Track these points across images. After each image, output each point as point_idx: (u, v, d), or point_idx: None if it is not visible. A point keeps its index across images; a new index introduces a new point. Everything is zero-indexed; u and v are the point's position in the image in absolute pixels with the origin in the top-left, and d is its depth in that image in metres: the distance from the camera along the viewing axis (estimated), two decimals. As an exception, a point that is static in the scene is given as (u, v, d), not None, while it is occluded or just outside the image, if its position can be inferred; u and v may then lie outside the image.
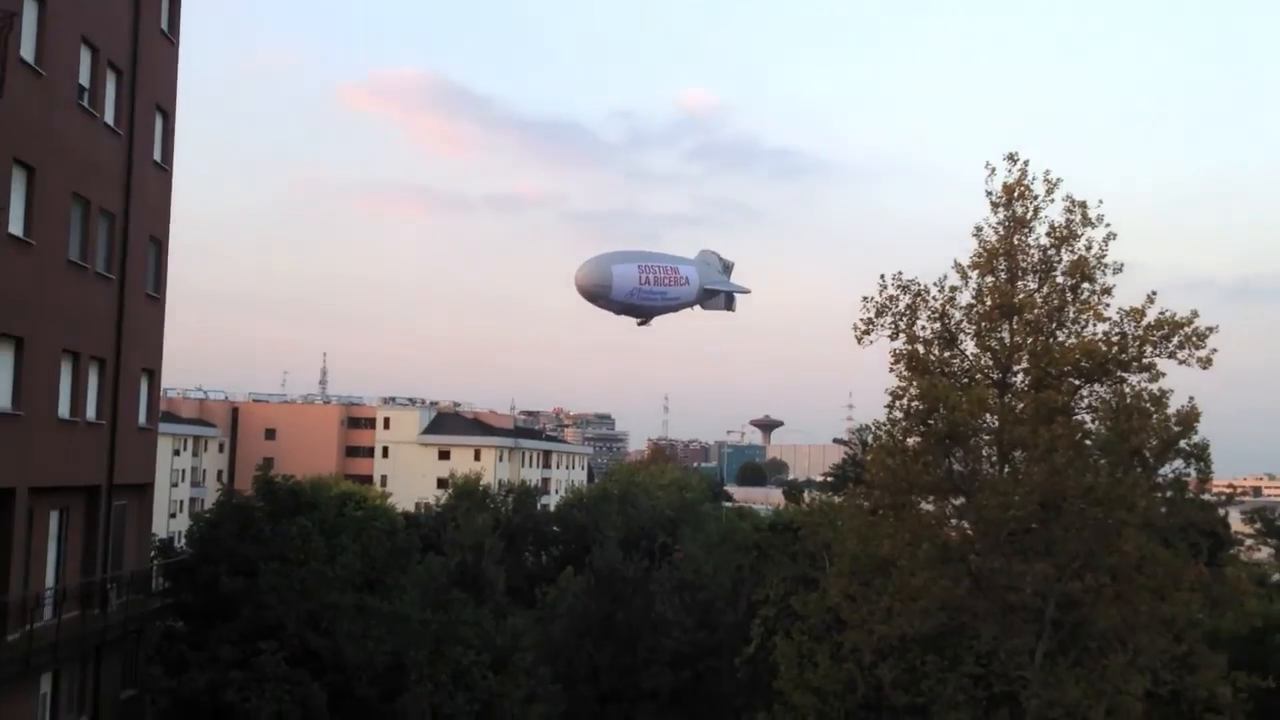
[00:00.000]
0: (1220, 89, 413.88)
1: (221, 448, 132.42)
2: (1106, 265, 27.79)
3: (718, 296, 58.25)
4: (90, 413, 32.38)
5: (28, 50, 27.98)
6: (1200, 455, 26.80)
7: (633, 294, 52.28)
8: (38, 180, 28.43)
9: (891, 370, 29.02)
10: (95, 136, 32.22)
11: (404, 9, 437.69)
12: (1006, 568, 26.47)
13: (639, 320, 54.92)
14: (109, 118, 33.01)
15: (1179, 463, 27.17)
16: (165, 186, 37.81)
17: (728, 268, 59.92)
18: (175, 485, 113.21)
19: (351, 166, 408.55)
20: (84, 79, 31.39)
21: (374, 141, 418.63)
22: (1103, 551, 25.81)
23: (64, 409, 30.72)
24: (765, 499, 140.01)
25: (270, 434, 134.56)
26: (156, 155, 36.77)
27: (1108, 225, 27.69)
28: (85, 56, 31.41)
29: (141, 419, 36.33)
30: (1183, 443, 26.64)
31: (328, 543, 37.02)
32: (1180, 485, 27.56)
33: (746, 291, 62.07)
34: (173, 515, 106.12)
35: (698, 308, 57.32)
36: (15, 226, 27.56)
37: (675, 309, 55.63)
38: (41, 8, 28.58)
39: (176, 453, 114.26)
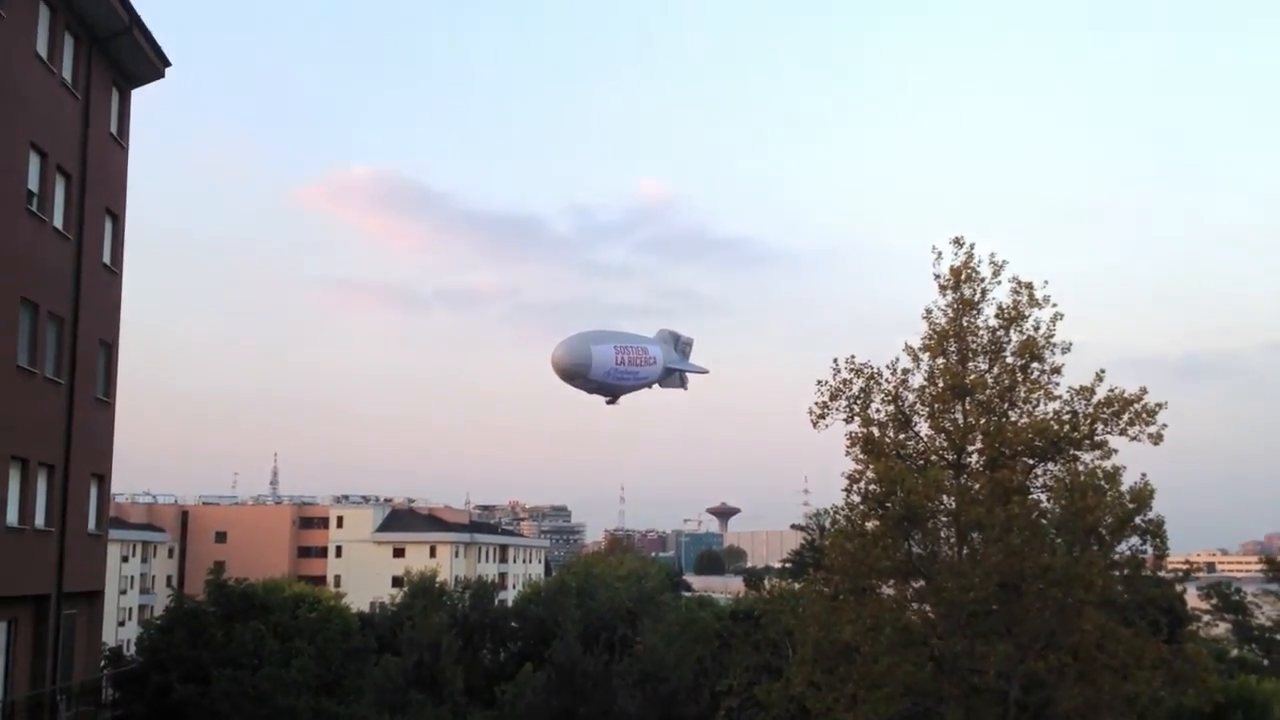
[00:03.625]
0: (1162, 176, 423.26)
1: (171, 552, 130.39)
2: (1055, 345, 28.09)
3: (673, 375, 59.23)
4: (39, 520, 31.87)
5: (-25, 156, 27.95)
6: (1156, 531, 26.93)
7: (609, 374, 53.25)
8: (-15, 286, 28.24)
9: (848, 453, 29.06)
10: (44, 241, 32.10)
11: (355, 110, 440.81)
12: (969, 650, 26.38)
13: (608, 400, 55.73)
14: (58, 222, 32.93)
15: (1135, 540, 27.28)
16: (115, 289, 37.64)
17: (687, 345, 61.04)
18: (124, 592, 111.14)
19: (304, 265, 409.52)
20: (32, 184, 31.35)
21: (326, 239, 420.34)
22: (1064, 631, 25.80)
23: (12, 516, 30.22)
24: (724, 587, 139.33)
25: (221, 537, 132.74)
26: (106, 258, 36.66)
27: (1054, 305, 28.05)
28: (34, 161, 31.40)
29: (91, 525, 35.78)
30: (1138, 519, 26.76)
31: (282, 646, 36.53)
32: (1137, 562, 27.66)
33: (705, 371, 62.94)
34: (121, 623, 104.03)
35: (655, 385, 58.16)
36: (-38, 333, 27.30)
37: (641, 388, 56.57)
38: (-11, 114, 28.60)
39: (125, 559, 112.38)
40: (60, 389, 33.06)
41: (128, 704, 35.59)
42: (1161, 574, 28.87)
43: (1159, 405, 27.08)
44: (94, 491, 36.09)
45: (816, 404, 29.23)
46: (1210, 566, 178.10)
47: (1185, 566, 30.72)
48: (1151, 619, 27.34)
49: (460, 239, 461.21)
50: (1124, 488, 26.74)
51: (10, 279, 29.76)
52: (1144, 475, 26.98)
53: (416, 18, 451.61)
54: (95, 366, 35.75)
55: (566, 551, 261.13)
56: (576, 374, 52.86)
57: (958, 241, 28.67)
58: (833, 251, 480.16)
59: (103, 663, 37.56)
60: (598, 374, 52.90)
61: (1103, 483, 26.60)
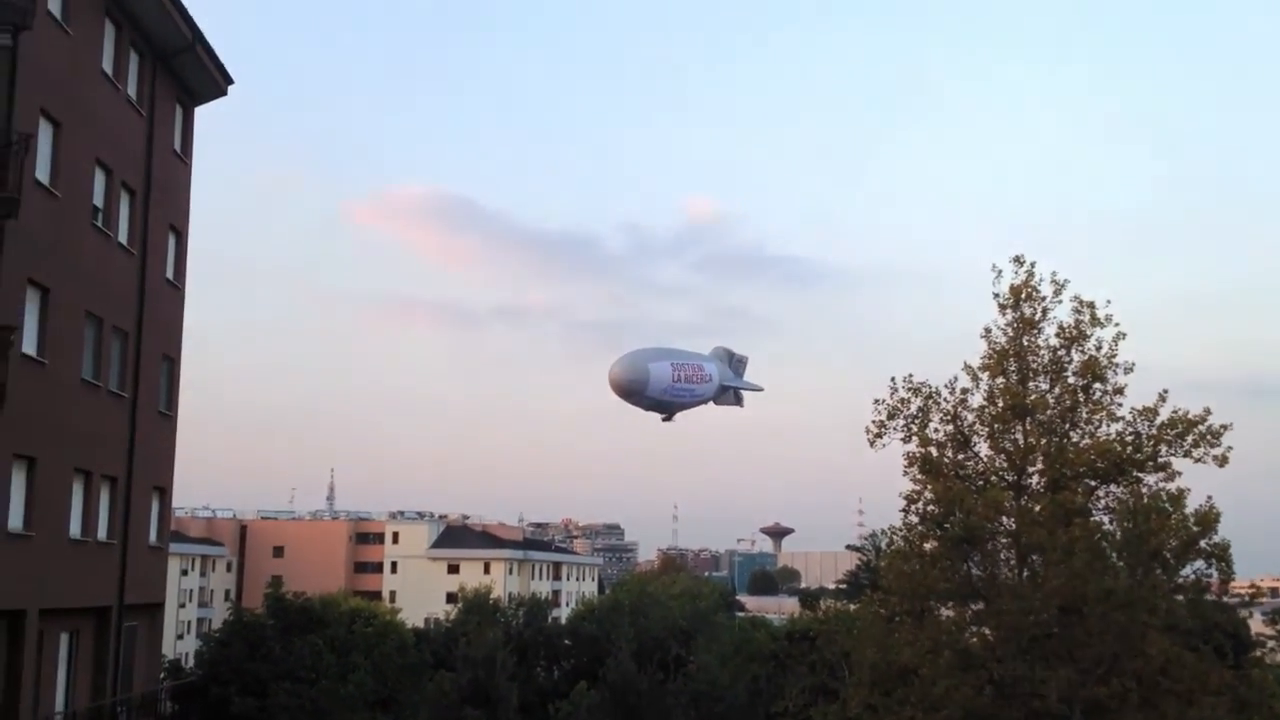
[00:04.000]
0: (1221, 197, 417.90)
1: (229, 567, 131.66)
2: (1117, 365, 27.77)
3: (728, 392, 59.22)
4: (101, 532, 32.25)
5: (43, 172, 28.41)
6: (1221, 555, 26.48)
7: (666, 391, 53.50)
8: (51, 300, 28.67)
9: (905, 474, 28.86)
10: (109, 256, 32.56)
11: (409, 127, 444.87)
12: (1030, 674, 26.02)
13: (664, 416, 55.87)
14: (122, 237, 33.39)
15: (1199, 563, 26.84)
16: (178, 304, 38.11)
17: (741, 363, 61.01)
18: (183, 606, 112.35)
19: (359, 282, 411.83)
20: (98, 199, 31.82)
21: (381, 257, 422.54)
22: (1127, 655, 25.41)
23: (75, 529, 30.60)
24: (778, 608, 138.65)
25: (279, 551, 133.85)
26: (169, 274, 37.13)
27: (1117, 325, 27.75)
28: (99, 177, 31.87)
29: (152, 538, 36.15)
30: (1202, 542, 26.35)
31: (339, 661, 36.70)
32: (1201, 587, 27.21)
33: (760, 388, 62.88)
34: (180, 636, 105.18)
35: (711, 403, 58.20)
36: (29, 346, 27.71)
37: (697, 405, 56.68)
38: (56, 130, 29.07)
39: (184, 572, 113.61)
40: (123, 403, 33.48)
41: (186, 716, 35.89)
42: (1226, 599, 28.37)
43: (1224, 427, 26.68)
44: (155, 505, 36.48)
45: (873, 423, 29.07)
46: (1275, 591, 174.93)
47: (1251, 591, 30.15)
48: (1216, 644, 26.83)
49: (513, 257, 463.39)
50: (1188, 510, 26.35)
51: (75, 293, 30.20)
52: (1209, 498, 26.59)
53: (468, 38, 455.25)
54: (158, 381, 36.18)
55: (619, 569, 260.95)
56: (634, 391, 53.05)
57: (1018, 260, 28.47)
58: (889, 271, 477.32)
59: (162, 675, 37.92)
60: (655, 391, 53.10)
61: (1166, 505, 26.23)
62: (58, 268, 29.14)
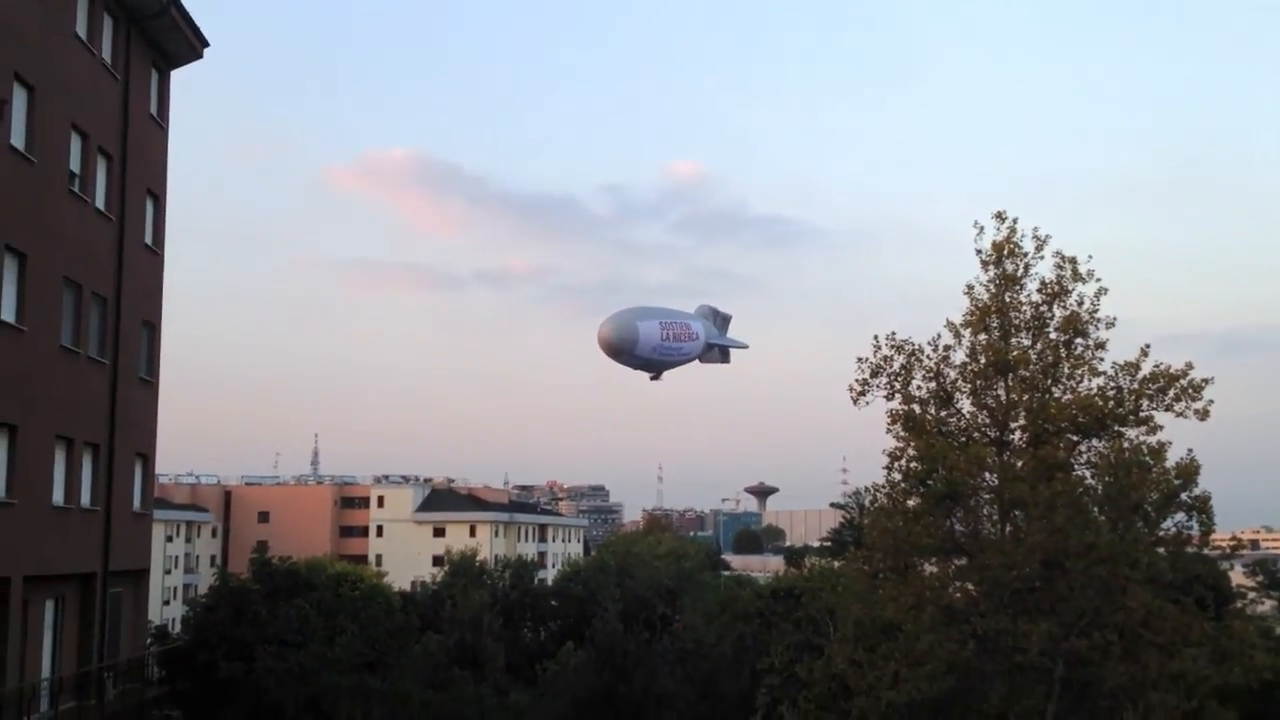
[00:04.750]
0: (1202, 149, 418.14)
1: (215, 532, 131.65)
2: (1099, 320, 27.77)
3: (713, 350, 59.48)
4: (85, 499, 32.20)
5: (18, 138, 28.18)
6: (1202, 508, 26.63)
7: (655, 350, 53.78)
8: (29, 266, 28.49)
9: (888, 431, 28.92)
10: (86, 221, 32.34)
11: (390, 91, 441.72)
12: (1012, 628, 26.21)
13: (652, 375, 56.15)
14: (100, 203, 33.15)
15: (1180, 516, 27.00)
16: (157, 270, 37.90)
17: (725, 320, 61.24)
18: (168, 572, 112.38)
19: (341, 247, 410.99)
20: (74, 165, 31.57)
21: (363, 221, 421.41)
22: (1109, 608, 25.59)
23: (58, 496, 30.55)
24: (763, 566, 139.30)
25: (264, 517, 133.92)
26: (148, 239, 36.91)
27: (1098, 280, 27.73)
28: (75, 143, 31.61)
29: (136, 504, 36.12)
30: (1184, 495, 26.50)
31: (326, 624, 36.72)
32: (1182, 539, 27.39)
33: (745, 346, 63.09)
34: (166, 603, 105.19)
35: (697, 361, 58.41)
36: (7, 313, 27.58)
37: (684, 363, 56.92)
38: (31, 95, 28.80)
39: (169, 539, 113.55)
40: (104, 369, 33.34)
41: (173, 681, 35.94)
42: (1207, 551, 28.61)
43: (1205, 381, 26.74)
44: (138, 471, 36.43)
45: (857, 381, 29.09)
46: (1254, 543, 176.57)
47: (1231, 543, 30.42)
48: (1197, 596, 27.00)
49: (496, 220, 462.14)
50: (1169, 464, 26.47)
51: (53, 259, 30.01)
52: (1190, 451, 26.71)
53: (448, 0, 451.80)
54: (138, 346, 36.04)
55: (605, 531, 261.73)
56: (623, 350, 53.25)
57: (1000, 216, 28.43)
58: (871, 230, 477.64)
59: (149, 640, 37.98)
60: (644, 350, 53.37)
61: (1148, 459, 26.33)
62: (35, 234, 28.94)
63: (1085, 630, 25.59)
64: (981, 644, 26.74)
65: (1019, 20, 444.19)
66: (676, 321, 56.00)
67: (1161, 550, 26.80)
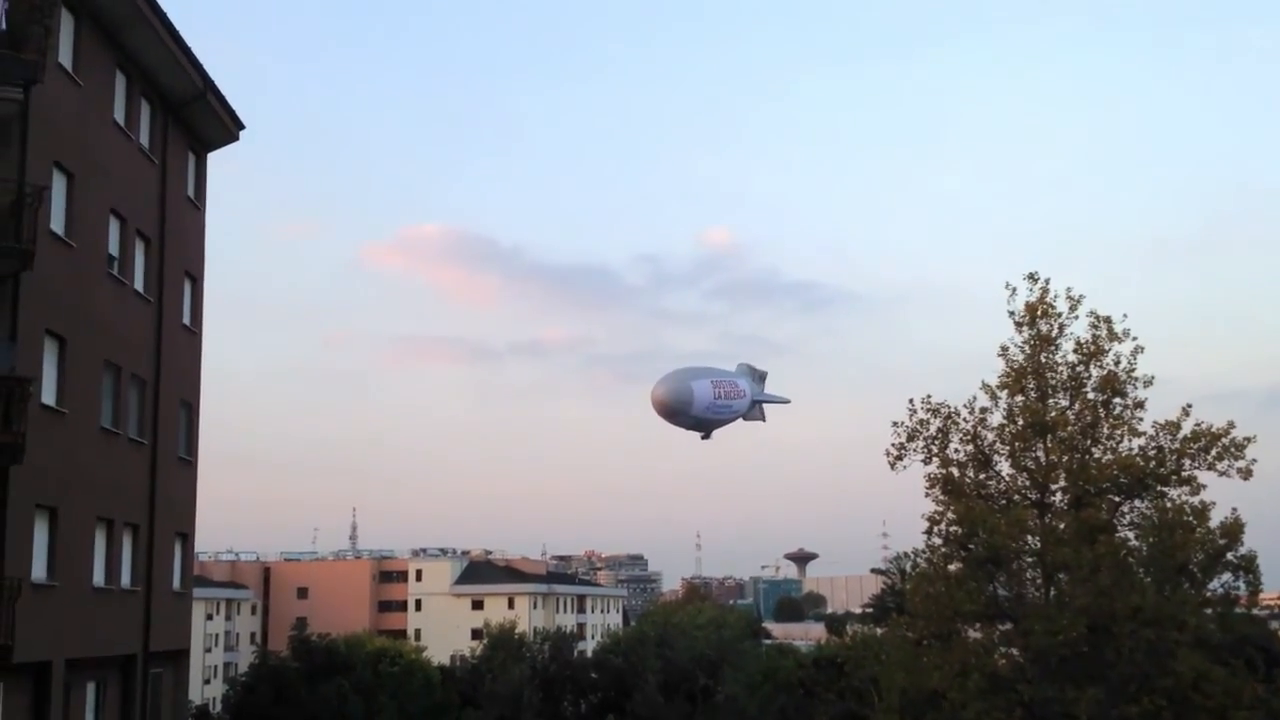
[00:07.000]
0: (1235, 203, 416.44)
1: (254, 609, 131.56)
2: (1137, 379, 27.62)
3: (755, 407, 60.08)
4: (125, 580, 32.25)
5: (57, 223, 28.55)
6: (1249, 567, 26.28)
7: (709, 409, 54.22)
8: (69, 350, 28.76)
9: (927, 495, 28.76)
10: (125, 304, 32.69)
11: (424, 168, 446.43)
12: (1060, 695, 25.79)
13: (702, 435, 56.60)
14: (138, 285, 33.52)
15: (1227, 576, 26.64)
16: (195, 350, 38.22)
17: (762, 377, 61.88)
18: (209, 650, 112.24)
19: (378, 322, 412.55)
20: (113, 249, 31.97)
21: (400, 297, 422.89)
22: (1157, 672, 25.16)
23: (98, 577, 30.60)
24: (805, 634, 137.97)
25: (303, 593, 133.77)
26: (186, 319, 37.25)
27: (1134, 339, 27.63)
28: (114, 227, 32.03)
29: (176, 584, 36.15)
30: (1229, 555, 26.17)
31: (365, 703, 36.57)
32: (1230, 600, 27.00)
33: (787, 401, 63.72)
34: (207, 681, 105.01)
35: (741, 419, 58.98)
36: (48, 396, 27.79)
37: (732, 420, 57.55)
38: (70, 181, 29.24)
39: (209, 616, 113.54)
40: (143, 450, 33.55)
41: (214, 762, 35.86)
42: (1256, 611, 28.16)
43: (1248, 439, 26.50)
44: (178, 551, 36.49)
45: (893, 445, 29.00)
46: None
47: (1280, 603, 29.95)
48: (1247, 658, 26.56)
49: (531, 292, 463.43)
50: (1214, 523, 26.15)
51: (93, 343, 30.31)
52: (1234, 510, 26.39)
53: (483, 78, 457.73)
54: (177, 427, 36.25)
55: (644, 600, 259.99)
56: (679, 410, 53.56)
57: (1032, 277, 28.41)
58: (904, 294, 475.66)
59: (189, 721, 37.91)
60: (699, 409, 53.76)
61: (1191, 519, 26.05)
62: (75, 318, 29.26)
63: (1134, 696, 25.16)
64: (1029, 712, 26.32)
65: (1051, 82, 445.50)
66: (726, 380, 56.73)
67: (1209, 611, 26.40)
